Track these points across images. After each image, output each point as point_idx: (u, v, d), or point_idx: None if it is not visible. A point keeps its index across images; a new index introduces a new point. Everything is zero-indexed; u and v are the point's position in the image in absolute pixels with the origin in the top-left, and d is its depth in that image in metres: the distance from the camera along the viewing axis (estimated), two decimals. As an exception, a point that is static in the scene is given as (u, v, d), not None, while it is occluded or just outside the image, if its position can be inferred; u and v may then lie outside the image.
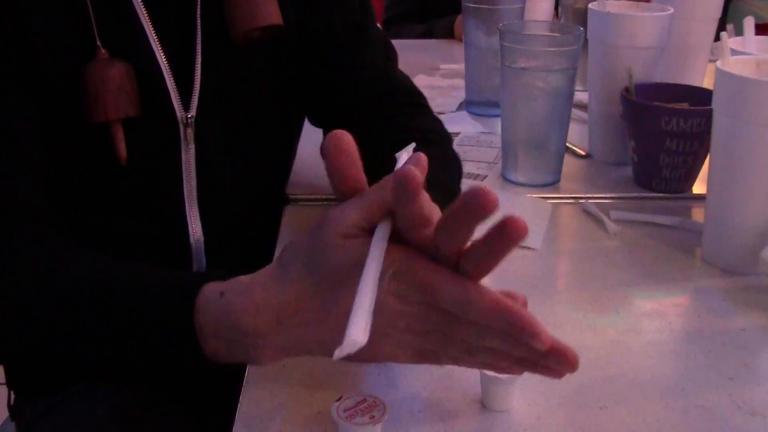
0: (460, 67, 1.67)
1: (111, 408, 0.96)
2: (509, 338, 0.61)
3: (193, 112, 0.89)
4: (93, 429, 0.95)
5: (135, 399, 0.97)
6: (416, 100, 1.08)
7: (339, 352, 0.55)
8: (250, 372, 0.76)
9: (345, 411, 0.64)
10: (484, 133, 1.45)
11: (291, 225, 1.08)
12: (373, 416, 0.64)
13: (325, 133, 1.08)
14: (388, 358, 0.65)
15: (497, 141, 1.31)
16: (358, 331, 0.56)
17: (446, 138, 1.05)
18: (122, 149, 0.85)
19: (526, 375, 0.70)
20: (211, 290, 0.66)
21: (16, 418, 1.04)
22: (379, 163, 0.94)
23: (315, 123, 1.13)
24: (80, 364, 0.78)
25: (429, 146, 0.93)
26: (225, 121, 0.94)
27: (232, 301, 0.65)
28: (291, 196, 1.16)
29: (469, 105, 1.60)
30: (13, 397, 1.05)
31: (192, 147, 0.90)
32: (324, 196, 1.17)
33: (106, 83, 0.82)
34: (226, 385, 0.82)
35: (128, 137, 0.85)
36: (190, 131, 0.90)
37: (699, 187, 1.20)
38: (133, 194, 0.89)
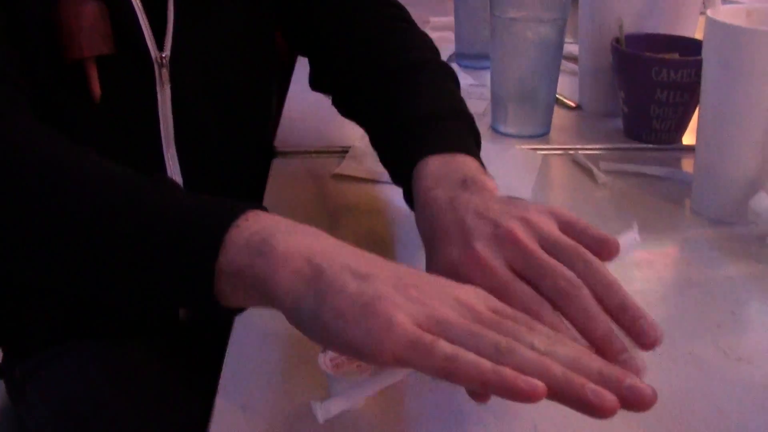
0: (450, 19, 1.65)
1: (101, 365, 0.96)
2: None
3: (167, 52, 0.89)
4: (83, 386, 0.95)
5: (125, 356, 0.97)
6: (398, 13, 1.05)
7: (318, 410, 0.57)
8: (237, 326, 0.76)
9: (332, 360, 0.64)
10: (473, 85, 1.44)
11: (279, 177, 1.08)
12: (360, 365, 0.64)
13: (311, 61, 1.08)
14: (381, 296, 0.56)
15: (487, 93, 1.30)
16: (328, 410, 0.57)
17: (432, 50, 1.01)
18: (96, 87, 0.84)
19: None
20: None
21: (5, 376, 1.04)
22: (373, 83, 0.96)
23: (299, 50, 1.12)
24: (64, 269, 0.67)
25: (419, 68, 0.94)
26: (200, 61, 0.93)
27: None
28: (279, 149, 1.16)
29: (459, 58, 1.59)
30: (1, 355, 1.04)
31: (167, 88, 0.89)
32: (312, 149, 1.16)
33: (80, 20, 0.81)
34: (214, 339, 0.82)
35: (103, 76, 0.84)
36: (165, 71, 0.89)
37: (689, 138, 1.20)
38: (108, 134, 0.88)
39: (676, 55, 1.17)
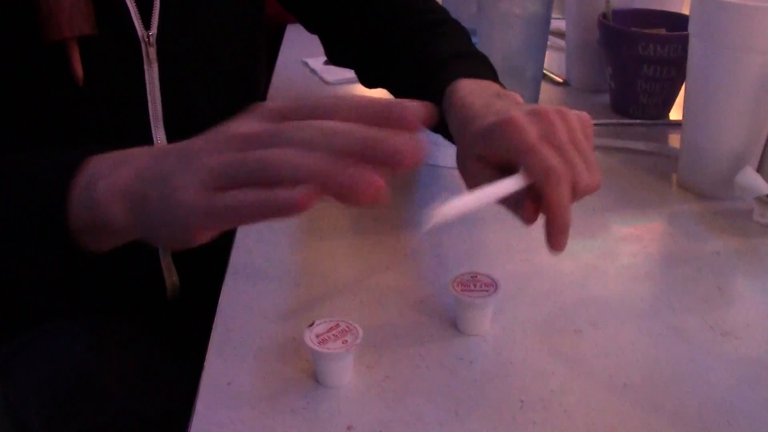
0: (437, -5, 1.65)
1: (89, 342, 0.96)
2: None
3: (154, 30, 0.87)
4: (71, 363, 0.95)
5: (112, 333, 0.97)
6: None
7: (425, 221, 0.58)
8: (222, 302, 0.76)
9: (317, 336, 0.64)
10: (460, 61, 1.43)
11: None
12: (346, 341, 0.64)
13: (325, 39, 1.10)
14: None
15: (474, 69, 1.30)
16: (435, 216, 0.58)
17: (445, 11, 1.05)
18: (78, 68, 0.82)
19: (502, 299, 0.71)
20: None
21: (-7, 355, 1.04)
22: (394, 47, 1.00)
23: (312, 30, 1.12)
24: None
25: (438, 26, 0.99)
26: (188, 39, 0.92)
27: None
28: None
29: (446, 34, 1.58)
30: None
31: (155, 66, 0.88)
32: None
33: (59, 0, 0.80)
34: (200, 316, 0.82)
35: (87, 57, 0.83)
36: (152, 50, 0.88)
37: (676, 113, 1.20)
38: (96, 116, 0.87)
39: (662, 31, 1.17)
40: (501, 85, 0.87)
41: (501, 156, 0.70)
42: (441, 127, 0.86)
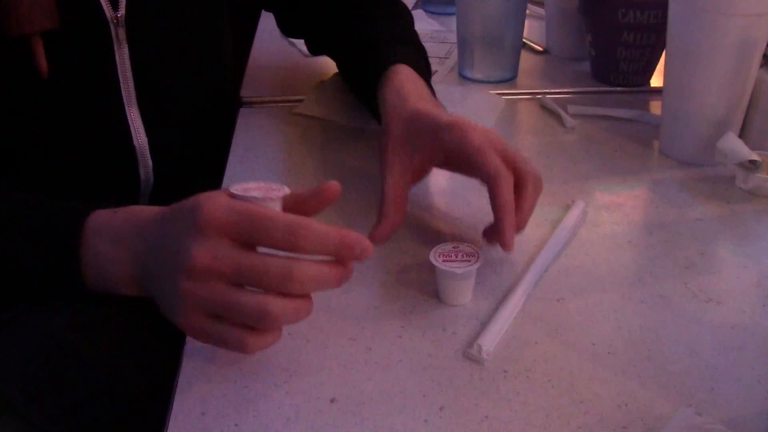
0: (416, -35, 1.64)
1: (69, 319, 0.95)
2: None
3: (122, 11, 0.86)
4: (52, 340, 0.94)
5: (93, 308, 0.97)
6: None
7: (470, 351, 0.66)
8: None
9: None
10: (437, 31, 1.43)
11: (246, 128, 1.07)
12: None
13: (277, 14, 1.17)
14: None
15: (451, 36, 1.29)
16: (489, 344, 0.66)
17: None
18: (43, 63, 0.81)
19: (483, 269, 0.70)
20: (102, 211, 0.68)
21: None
22: (333, 28, 1.07)
23: (264, 7, 1.20)
24: None
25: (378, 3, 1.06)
26: (157, 18, 0.91)
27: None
28: (245, 99, 1.15)
29: (425, 3, 1.57)
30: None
31: (125, 47, 0.87)
32: (279, 98, 1.15)
33: None
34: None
35: (55, 45, 0.81)
36: (121, 31, 0.87)
37: (657, 80, 1.20)
38: (68, 98, 0.86)
39: (642, -4, 1.16)
40: (431, 87, 0.94)
41: (441, 151, 0.79)
42: (370, 103, 0.95)
